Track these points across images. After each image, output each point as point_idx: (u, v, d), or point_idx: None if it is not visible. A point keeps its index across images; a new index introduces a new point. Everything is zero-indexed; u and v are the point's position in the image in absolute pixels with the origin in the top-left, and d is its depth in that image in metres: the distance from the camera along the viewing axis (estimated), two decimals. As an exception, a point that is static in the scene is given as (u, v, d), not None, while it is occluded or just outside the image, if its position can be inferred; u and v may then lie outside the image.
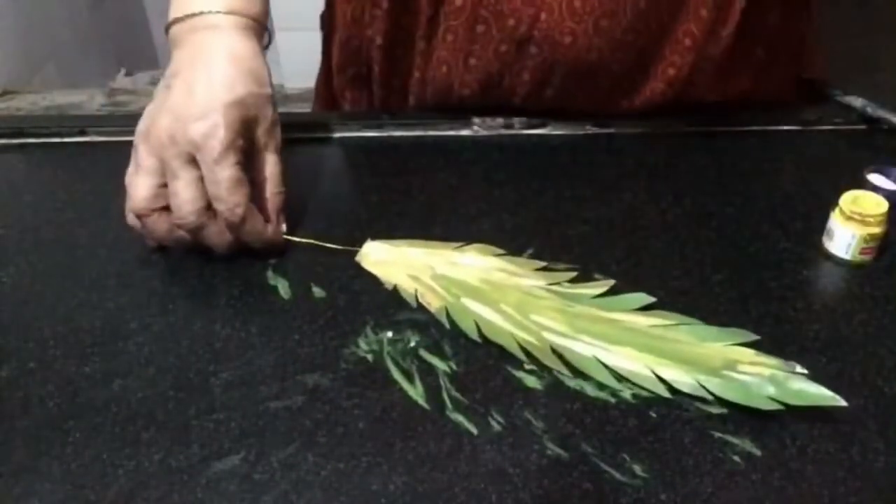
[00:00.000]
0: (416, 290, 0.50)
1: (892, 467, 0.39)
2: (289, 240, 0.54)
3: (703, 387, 0.43)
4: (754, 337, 0.45)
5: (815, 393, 0.42)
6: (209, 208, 0.50)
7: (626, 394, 0.43)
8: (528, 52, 0.62)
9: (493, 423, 0.42)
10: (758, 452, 0.40)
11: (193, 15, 0.53)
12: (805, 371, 0.43)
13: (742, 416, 0.42)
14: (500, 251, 0.52)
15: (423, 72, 0.66)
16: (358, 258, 0.52)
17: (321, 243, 0.53)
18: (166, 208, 0.50)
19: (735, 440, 0.41)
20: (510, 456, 0.40)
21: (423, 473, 0.39)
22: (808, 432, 0.41)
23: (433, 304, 0.49)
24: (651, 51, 0.63)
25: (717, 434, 0.41)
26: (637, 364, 0.44)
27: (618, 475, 0.39)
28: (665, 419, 0.42)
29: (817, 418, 0.42)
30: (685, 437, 0.41)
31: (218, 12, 0.53)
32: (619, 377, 0.44)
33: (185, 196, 0.49)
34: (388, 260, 0.52)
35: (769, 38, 0.68)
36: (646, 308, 0.48)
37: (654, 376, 0.44)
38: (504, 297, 0.49)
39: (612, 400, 0.43)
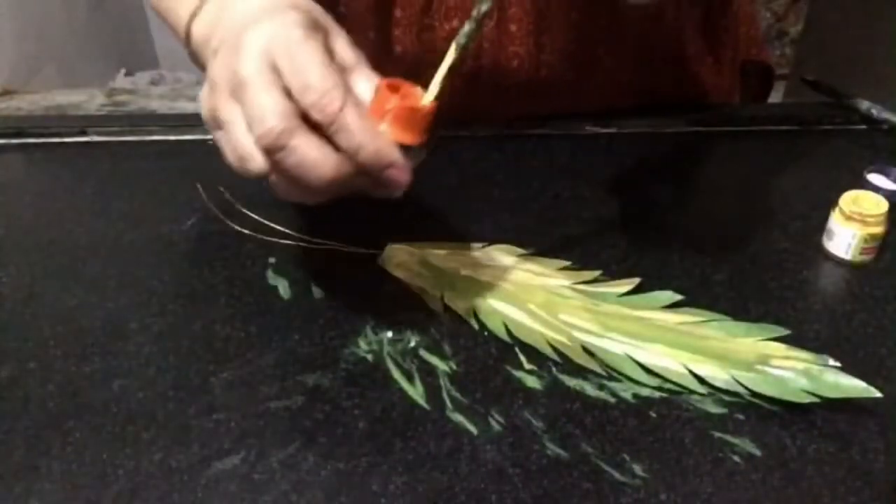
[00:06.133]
0: (441, 294, 0.49)
1: (892, 467, 0.39)
2: (308, 246, 0.53)
3: (738, 382, 0.43)
4: (785, 331, 0.45)
5: (850, 385, 0.42)
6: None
7: (627, 394, 0.43)
8: (481, 80, 0.62)
9: (493, 423, 0.42)
10: (758, 452, 0.40)
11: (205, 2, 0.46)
12: (838, 364, 0.43)
13: (742, 416, 0.42)
14: (522, 251, 0.52)
15: None
16: (380, 261, 0.52)
17: (341, 246, 0.53)
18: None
19: (735, 440, 0.41)
20: (510, 456, 0.40)
21: (423, 473, 0.39)
22: (808, 432, 0.41)
23: (460, 306, 0.49)
24: (600, 57, 0.63)
25: (717, 434, 0.41)
26: (670, 361, 0.44)
27: (618, 475, 0.39)
28: (665, 419, 0.42)
29: (817, 418, 0.42)
30: (685, 437, 0.41)
31: None
32: (654, 375, 0.44)
33: (263, 100, 0.37)
34: (411, 262, 0.52)
35: (706, 24, 0.69)
36: (673, 305, 0.48)
37: (688, 372, 0.44)
38: (531, 297, 0.49)
39: (612, 400, 0.43)
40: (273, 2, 0.41)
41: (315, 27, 0.40)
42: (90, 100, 1.65)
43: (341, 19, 0.62)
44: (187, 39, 0.47)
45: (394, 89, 0.40)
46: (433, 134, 0.41)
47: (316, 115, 0.38)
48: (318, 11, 0.42)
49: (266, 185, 0.42)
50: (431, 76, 0.66)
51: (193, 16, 0.46)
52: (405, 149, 0.40)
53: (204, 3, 0.46)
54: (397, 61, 0.63)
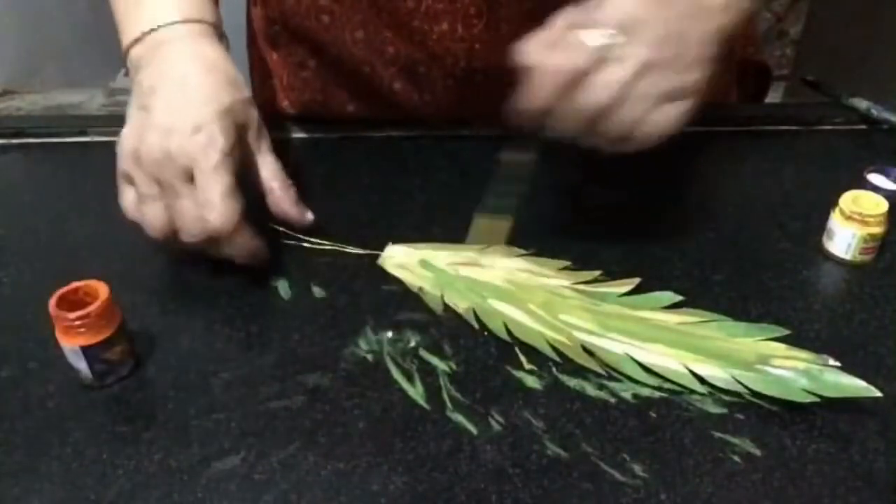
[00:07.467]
0: (441, 294, 0.49)
1: (892, 467, 0.39)
2: (308, 246, 0.53)
3: (739, 381, 0.43)
4: (785, 331, 0.45)
5: (850, 384, 0.42)
6: None
7: (627, 394, 0.43)
8: (474, 80, 0.62)
9: (493, 423, 0.42)
10: (758, 452, 0.40)
11: (151, 31, 0.52)
12: (838, 364, 0.43)
13: (742, 416, 0.42)
14: (523, 251, 0.52)
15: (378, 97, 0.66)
16: (380, 261, 0.52)
17: (341, 246, 0.53)
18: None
19: (735, 440, 0.41)
20: (510, 456, 0.40)
21: (423, 473, 0.39)
22: (808, 432, 0.41)
23: (460, 305, 0.49)
24: None
25: (717, 434, 0.41)
26: (670, 360, 0.44)
27: (618, 475, 0.39)
28: (665, 419, 0.42)
29: (817, 418, 0.42)
30: (685, 437, 0.41)
31: (175, 23, 0.51)
32: (654, 375, 0.44)
33: (194, 214, 0.47)
34: (411, 263, 0.52)
35: None
36: (673, 306, 0.48)
37: (688, 372, 0.44)
38: (531, 297, 0.49)
39: (612, 400, 0.43)
40: (212, 99, 0.49)
41: (237, 131, 0.49)
42: (90, 100, 1.65)
43: (326, 28, 0.63)
44: (126, 57, 0.54)
45: (64, 302, 0.43)
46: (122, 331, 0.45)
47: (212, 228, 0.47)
48: (240, 106, 0.50)
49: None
50: (425, 75, 0.66)
51: (136, 42, 0.53)
52: (95, 349, 0.43)
53: (145, 35, 0.52)
54: (390, 62, 0.63)
